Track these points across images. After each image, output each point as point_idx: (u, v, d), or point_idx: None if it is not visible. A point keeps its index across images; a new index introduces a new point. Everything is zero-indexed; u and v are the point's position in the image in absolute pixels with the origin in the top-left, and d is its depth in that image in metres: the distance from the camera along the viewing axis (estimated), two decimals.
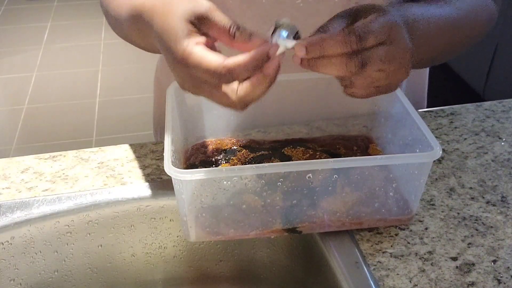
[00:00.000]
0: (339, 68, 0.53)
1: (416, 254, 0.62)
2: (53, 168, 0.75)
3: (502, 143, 0.79)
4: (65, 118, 2.59)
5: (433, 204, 0.69)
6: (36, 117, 2.61)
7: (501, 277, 0.60)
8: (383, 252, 0.63)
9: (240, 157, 0.70)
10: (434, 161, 0.63)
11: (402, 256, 0.62)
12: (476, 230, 0.65)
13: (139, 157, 0.77)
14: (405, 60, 0.56)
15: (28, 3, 3.66)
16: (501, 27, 2.15)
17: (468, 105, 0.88)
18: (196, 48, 0.52)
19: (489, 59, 2.31)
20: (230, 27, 0.54)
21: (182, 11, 0.54)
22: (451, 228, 0.66)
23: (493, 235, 0.65)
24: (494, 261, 0.61)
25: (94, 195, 0.70)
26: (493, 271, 0.60)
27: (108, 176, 0.74)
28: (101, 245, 0.71)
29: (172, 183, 0.60)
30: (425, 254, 0.62)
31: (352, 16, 0.57)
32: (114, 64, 3.01)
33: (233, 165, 0.68)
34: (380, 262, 0.61)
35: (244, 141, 0.73)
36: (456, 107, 0.88)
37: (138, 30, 0.64)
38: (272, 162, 0.68)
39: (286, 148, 0.71)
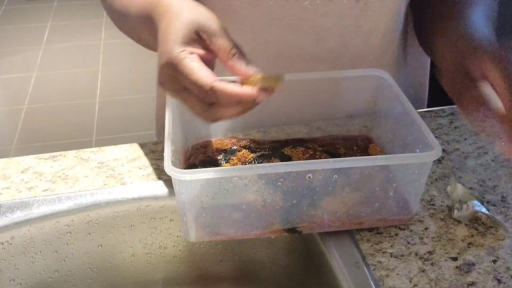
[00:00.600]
0: None
1: (416, 254, 0.62)
2: (53, 168, 0.75)
3: (502, 143, 0.79)
4: (65, 118, 2.59)
5: (433, 204, 0.69)
6: (36, 117, 2.61)
7: (501, 277, 0.60)
8: (383, 252, 0.63)
9: (240, 157, 0.69)
10: (434, 161, 0.63)
11: (402, 256, 0.62)
12: (476, 230, 0.65)
13: (139, 157, 0.77)
14: None
15: (28, 3, 3.66)
16: (501, 27, 2.14)
17: None
18: (190, 57, 0.53)
19: None
20: (231, 48, 0.55)
21: (191, 19, 0.56)
22: (451, 228, 0.66)
23: (493, 235, 0.65)
24: (494, 261, 0.61)
25: (94, 195, 0.70)
26: (493, 271, 0.60)
27: (108, 176, 0.74)
28: (101, 245, 0.71)
29: (172, 183, 0.60)
30: (425, 254, 0.62)
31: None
32: (114, 64, 3.01)
33: (233, 165, 0.68)
34: (380, 262, 0.61)
35: (244, 141, 0.73)
36: (456, 107, 0.87)
37: (146, 24, 0.64)
38: (272, 162, 0.68)
39: (286, 148, 0.71)
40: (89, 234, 0.70)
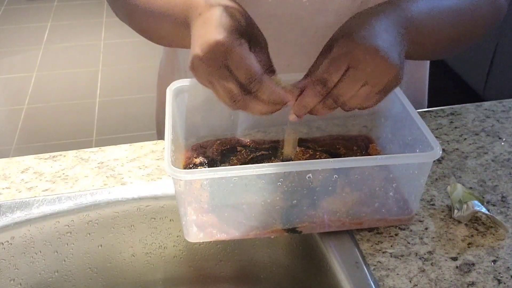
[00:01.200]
0: (326, 111, 0.59)
1: (416, 254, 0.62)
2: (53, 168, 0.75)
3: (502, 143, 0.79)
4: (65, 118, 2.59)
5: (433, 204, 0.69)
6: (36, 117, 2.61)
7: (501, 277, 0.60)
8: (383, 252, 0.63)
9: (240, 157, 0.70)
10: (434, 161, 0.63)
11: (402, 256, 0.62)
12: (476, 230, 0.65)
13: (139, 157, 0.77)
14: (386, 65, 0.57)
15: (28, 3, 3.66)
16: (501, 27, 2.15)
17: (468, 105, 0.88)
18: (244, 48, 0.55)
19: (489, 59, 2.31)
20: (270, 66, 0.60)
21: (245, 17, 0.60)
22: (451, 228, 0.66)
23: (493, 235, 0.65)
24: (494, 261, 0.61)
25: (94, 195, 0.70)
26: (493, 271, 0.60)
27: (108, 176, 0.74)
28: (101, 245, 0.71)
29: (172, 183, 0.60)
30: (425, 254, 0.62)
31: (331, 48, 0.60)
32: (114, 64, 3.01)
33: (233, 165, 0.68)
34: (380, 262, 0.61)
35: (244, 141, 0.73)
36: (456, 107, 0.88)
37: (178, 11, 0.65)
38: (272, 162, 0.68)
39: None
40: (89, 234, 0.70)
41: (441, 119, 0.85)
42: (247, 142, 0.73)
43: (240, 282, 0.77)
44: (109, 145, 0.80)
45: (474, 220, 0.66)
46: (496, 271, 0.60)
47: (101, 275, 0.73)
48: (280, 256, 0.73)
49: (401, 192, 0.64)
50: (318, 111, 0.59)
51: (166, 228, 0.72)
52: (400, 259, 0.62)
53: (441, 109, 0.87)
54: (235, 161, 0.69)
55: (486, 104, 0.89)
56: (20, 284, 0.69)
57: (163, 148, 0.60)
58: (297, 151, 0.70)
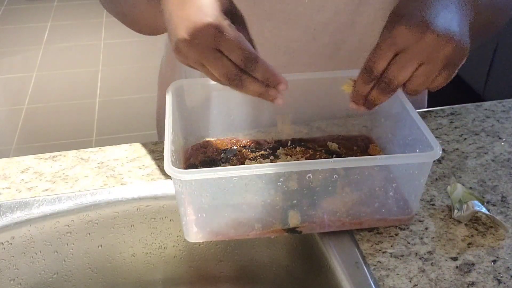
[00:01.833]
0: (383, 96, 0.59)
1: (416, 254, 0.62)
2: (53, 168, 0.75)
3: (502, 143, 0.79)
4: (65, 118, 2.59)
5: (433, 204, 0.69)
6: (36, 117, 2.61)
7: (501, 277, 0.60)
8: (383, 252, 0.63)
9: (240, 157, 0.69)
10: (434, 161, 0.63)
11: (402, 256, 0.62)
12: (476, 230, 0.65)
13: (139, 157, 0.77)
14: (438, 39, 0.56)
15: (28, 3, 3.66)
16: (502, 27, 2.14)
17: (468, 105, 0.88)
18: (235, 29, 0.55)
19: (489, 59, 2.31)
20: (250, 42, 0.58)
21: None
22: (451, 228, 0.66)
23: (493, 235, 0.65)
24: (494, 261, 0.61)
25: (94, 195, 0.70)
26: (493, 271, 0.60)
27: (108, 176, 0.74)
28: (101, 245, 0.71)
29: (172, 183, 0.60)
30: (425, 254, 0.62)
31: (393, 42, 0.58)
32: (114, 64, 3.01)
33: (233, 165, 0.68)
34: (380, 262, 0.61)
35: (244, 141, 0.73)
36: (456, 107, 0.88)
37: None
38: (272, 162, 0.68)
39: (286, 148, 0.71)
40: (89, 234, 0.70)
41: (441, 119, 0.85)
42: (247, 142, 0.73)
43: (240, 282, 0.77)
44: (109, 145, 0.79)
45: (474, 220, 0.66)
46: (496, 271, 0.60)
47: (101, 275, 0.73)
48: (280, 256, 0.73)
49: (401, 192, 0.64)
50: (375, 98, 0.60)
51: (166, 228, 0.72)
52: (400, 259, 0.62)
53: (441, 109, 0.87)
54: (235, 161, 0.69)
55: (486, 104, 0.89)
56: (20, 284, 0.69)
57: (163, 148, 0.60)
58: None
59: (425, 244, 0.64)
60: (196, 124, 0.73)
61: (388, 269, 0.61)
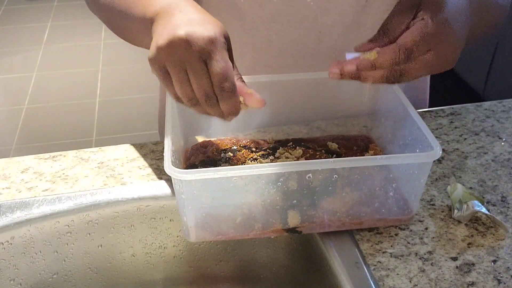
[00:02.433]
0: (381, 78, 0.58)
1: (416, 254, 0.62)
2: (53, 168, 0.75)
3: (502, 143, 0.79)
4: (65, 118, 2.59)
5: (433, 204, 0.69)
6: (36, 117, 2.60)
7: (501, 277, 0.60)
8: (383, 252, 0.63)
9: (240, 157, 0.69)
10: (434, 161, 0.63)
11: (402, 256, 0.62)
12: (476, 230, 0.65)
13: (139, 157, 0.77)
14: (449, 59, 0.58)
15: (28, 3, 3.66)
16: (501, 27, 2.14)
17: (468, 105, 0.88)
18: (225, 48, 0.55)
19: (489, 59, 2.31)
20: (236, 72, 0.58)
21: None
22: (451, 228, 0.66)
23: (493, 235, 0.65)
24: (494, 261, 0.61)
25: (94, 195, 0.70)
26: (493, 271, 0.60)
27: (108, 176, 0.74)
28: (101, 245, 0.71)
29: (172, 183, 0.60)
30: (425, 254, 0.62)
31: (412, 8, 0.59)
32: (114, 64, 3.01)
33: (233, 165, 0.68)
34: (380, 262, 0.61)
35: (244, 141, 0.73)
36: (456, 107, 0.88)
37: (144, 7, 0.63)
38: (272, 162, 0.68)
39: (286, 148, 0.71)
40: (89, 234, 0.70)
41: (441, 119, 0.85)
42: (247, 142, 0.73)
43: (240, 282, 0.77)
44: (109, 145, 0.79)
45: (474, 220, 0.66)
46: (496, 271, 0.60)
47: (101, 275, 0.73)
48: (280, 256, 0.73)
49: (401, 192, 0.64)
50: (375, 76, 0.58)
51: (166, 228, 0.72)
52: (400, 259, 0.62)
53: (441, 109, 0.87)
54: (235, 161, 0.69)
55: (486, 104, 0.89)
56: (20, 284, 0.69)
57: (163, 148, 0.60)
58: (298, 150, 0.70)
59: (425, 244, 0.64)
60: (196, 124, 0.73)
61: (388, 269, 0.61)
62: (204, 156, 0.70)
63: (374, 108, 0.75)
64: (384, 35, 0.59)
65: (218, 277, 0.76)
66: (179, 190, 0.59)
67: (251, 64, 0.80)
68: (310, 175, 0.59)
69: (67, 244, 0.70)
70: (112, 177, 0.73)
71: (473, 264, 0.61)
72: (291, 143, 0.73)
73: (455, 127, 0.83)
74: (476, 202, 0.65)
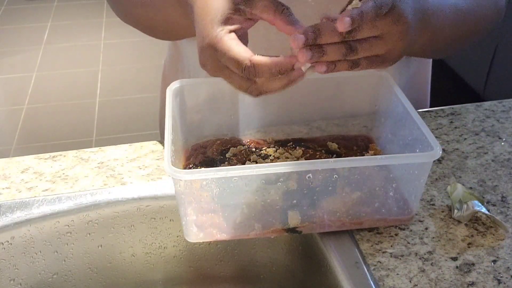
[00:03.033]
0: (334, 54, 0.55)
1: (416, 254, 0.62)
2: (53, 168, 0.75)
3: (502, 143, 0.79)
4: (65, 118, 2.59)
5: (433, 204, 0.69)
6: (36, 117, 2.61)
7: (501, 277, 0.60)
8: (383, 252, 0.63)
9: (240, 157, 0.69)
10: (434, 161, 0.63)
11: (402, 256, 0.62)
12: (476, 230, 0.65)
13: (139, 157, 0.77)
14: (394, 55, 0.58)
15: (28, 3, 3.66)
16: (501, 27, 2.15)
17: (468, 105, 0.88)
18: (227, 36, 0.55)
19: (489, 59, 2.31)
20: (278, 4, 0.56)
21: None
22: (451, 228, 0.66)
23: (493, 235, 0.65)
24: (494, 261, 0.61)
25: (94, 195, 0.70)
26: (493, 271, 0.60)
27: (108, 176, 0.74)
28: (101, 245, 0.71)
29: (172, 183, 0.60)
30: (425, 254, 0.62)
31: None
32: (114, 64, 3.01)
33: (233, 165, 0.68)
34: (380, 262, 0.61)
35: (244, 141, 0.73)
36: (456, 107, 0.88)
37: (179, 5, 0.65)
38: (272, 162, 0.68)
39: (286, 148, 0.71)
40: (89, 234, 0.70)
41: (441, 119, 0.85)
42: (247, 142, 0.73)
43: (240, 282, 0.77)
44: (109, 145, 0.80)
45: (474, 220, 0.66)
46: (496, 271, 0.60)
47: (101, 275, 0.73)
48: (280, 256, 0.73)
49: (401, 192, 0.64)
50: (333, 52, 0.55)
51: (166, 228, 0.72)
52: (400, 259, 0.62)
53: (441, 109, 0.87)
54: (235, 161, 0.69)
55: (486, 104, 0.89)
56: (20, 284, 0.69)
57: (163, 148, 0.60)
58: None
59: (425, 244, 0.64)
60: (196, 124, 0.73)
61: (388, 269, 0.61)
62: (204, 156, 0.70)
63: (374, 108, 0.75)
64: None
65: (218, 277, 0.76)
66: (179, 190, 0.59)
67: None
68: (310, 175, 0.59)
69: (67, 244, 0.70)
70: (112, 177, 0.73)
71: (473, 264, 0.61)
72: (291, 143, 0.73)
73: (455, 127, 0.83)
74: (476, 202, 0.65)
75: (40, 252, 0.69)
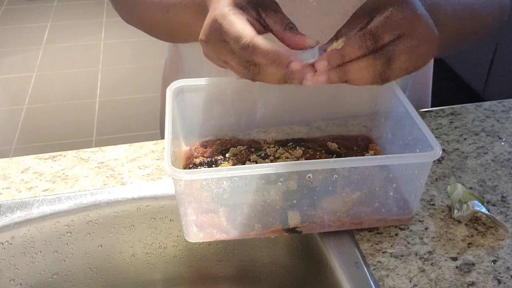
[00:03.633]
0: (367, 71, 0.53)
1: (416, 254, 0.62)
2: (53, 168, 0.75)
3: (502, 143, 0.79)
4: (65, 118, 2.60)
5: (433, 204, 0.69)
6: (36, 117, 2.61)
7: (501, 277, 0.60)
8: (383, 252, 0.63)
9: (240, 157, 0.69)
10: (434, 161, 0.63)
11: (402, 256, 0.62)
12: (476, 230, 0.65)
13: (139, 157, 0.77)
14: (429, 48, 0.55)
15: (28, 3, 3.66)
16: (501, 27, 2.15)
17: (468, 105, 0.88)
18: (235, 14, 0.54)
19: (489, 59, 2.31)
20: (288, 22, 0.56)
21: None
22: (451, 228, 0.66)
23: (493, 235, 0.65)
24: (494, 261, 0.61)
25: (94, 195, 0.70)
26: (493, 271, 0.60)
27: (108, 176, 0.74)
28: (101, 245, 0.71)
29: (172, 183, 0.60)
30: (425, 254, 0.62)
31: (369, 12, 0.57)
32: (114, 64, 3.01)
33: (233, 165, 0.68)
34: (380, 262, 0.61)
35: (244, 141, 0.73)
36: (456, 107, 0.88)
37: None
38: (272, 162, 0.68)
39: (286, 148, 0.71)
40: (89, 234, 0.70)
41: (441, 119, 0.85)
42: (247, 142, 0.73)
43: (240, 282, 0.77)
44: (109, 145, 0.80)
45: (474, 220, 0.66)
46: (496, 271, 0.60)
47: (101, 275, 0.73)
48: (280, 256, 0.73)
49: (401, 192, 0.64)
50: (356, 71, 0.53)
51: (166, 228, 0.72)
52: (400, 259, 0.62)
53: (441, 109, 0.87)
54: (235, 161, 0.69)
55: (486, 104, 0.89)
56: (20, 284, 0.69)
57: (163, 148, 0.60)
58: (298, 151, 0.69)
59: (425, 244, 0.64)
60: (196, 124, 0.73)
61: (388, 269, 0.61)
62: (204, 156, 0.70)
63: (374, 108, 0.75)
64: (336, 39, 0.57)
65: (218, 277, 0.76)
66: (179, 190, 0.59)
67: None
68: (310, 175, 0.59)
69: (67, 244, 0.70)
70: (112, 177, 0.73)
71: (473, 264, 0.61)
72: (291, 143, 0.73)
73: (455, 127, 0.83)
74: (476, 202, 0.65)
75: (40, 252, 0.69)
